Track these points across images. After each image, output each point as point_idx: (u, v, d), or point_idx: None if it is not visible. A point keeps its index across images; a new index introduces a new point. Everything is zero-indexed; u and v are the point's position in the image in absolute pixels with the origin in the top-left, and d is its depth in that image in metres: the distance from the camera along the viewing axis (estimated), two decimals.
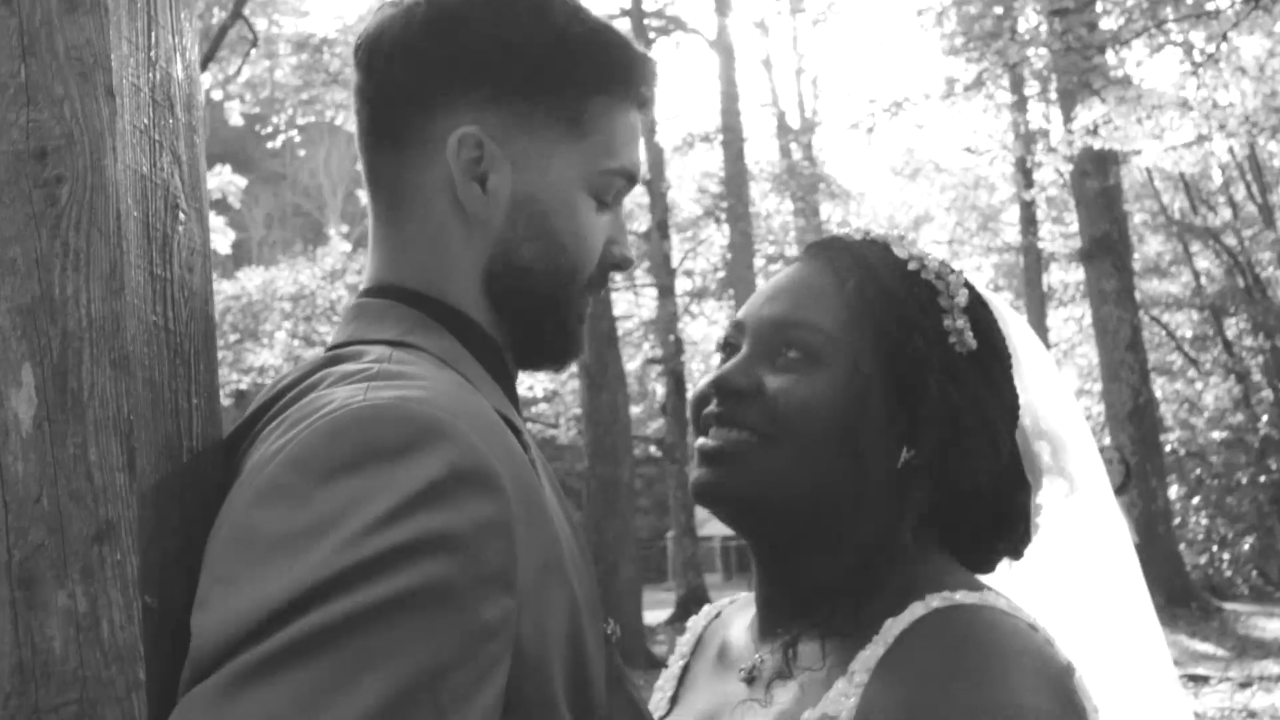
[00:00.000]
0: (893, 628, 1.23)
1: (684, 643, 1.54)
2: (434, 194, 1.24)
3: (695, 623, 1.56)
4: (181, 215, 1.15)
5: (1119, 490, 8.63)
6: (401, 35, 1.24)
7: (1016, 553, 1.40)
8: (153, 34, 1.14)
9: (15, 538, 0.99)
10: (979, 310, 1.37)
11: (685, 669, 1.50)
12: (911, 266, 1.36)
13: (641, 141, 1.34)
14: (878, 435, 1.30)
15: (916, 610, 1.24)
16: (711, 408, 1.33)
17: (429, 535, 0.95)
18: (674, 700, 1.47)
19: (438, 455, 0.98)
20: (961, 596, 1.24)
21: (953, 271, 1.38)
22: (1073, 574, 1.47)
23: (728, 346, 1.40)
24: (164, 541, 1.05)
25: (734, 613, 1.52)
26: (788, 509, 1.29)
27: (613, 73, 1.26)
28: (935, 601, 1.24)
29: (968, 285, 1.37)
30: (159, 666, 1.00)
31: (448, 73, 1.23)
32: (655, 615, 20.04)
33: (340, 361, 1.14)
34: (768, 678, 1.33)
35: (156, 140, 1.12)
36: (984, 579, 1.33)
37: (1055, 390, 1.46)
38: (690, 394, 1.40)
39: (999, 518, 1.38)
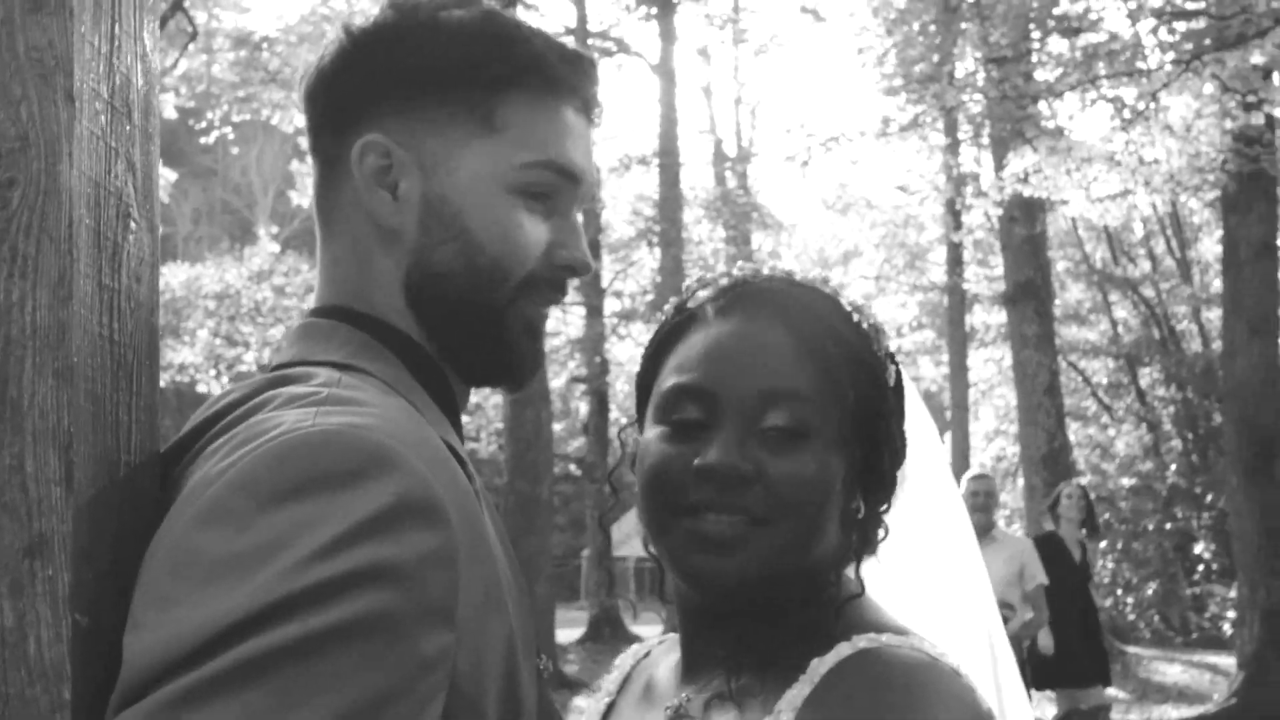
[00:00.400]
0: (819, 667, 1.23)
1: (611, 680, 1.53)
2: (350, 209, 1.24)
3: (623, 661, 1.55)
4: (133, 224, 1.13)
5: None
6: (325, 68, 1.26)
7: (875, 551, 1.41)
8: (115, 38, 1.12)
9: None
10: (894, 355, 1.40)
11: (611, 706, 1.49)
12: (856, 318, 1.36)
13: (584, 141, 1.30)
14: (848, 492, 1.31)
15: (843, 650, 1.24)
16: (707, 492, 1.27)
17: (373, 565, 0.94)
18: None
19: (386, 485, 0.97)
20: (887, 639, 1.25)
21: (878, 320, 1.39)
22: (910, 559, 1.49)
23: (684, 416, 1.31)
24: (97, 558, 1.02)
25: (662, 653, 1.51)
26: (784, 582, 1.29)
27: (526, 67, 1.24)
28: (862, 642, 1.25)
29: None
30: (87, 687, 0.98)
31: (357, 91, 1.24)
32: (567, 634, 19.97)
33: (287, 382, 1.12)
34: (693, 716, 1.33)
35: (113, 147, 1.10)
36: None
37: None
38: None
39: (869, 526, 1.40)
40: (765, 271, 1.39)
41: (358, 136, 1.23)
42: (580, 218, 1.32)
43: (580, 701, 12.94)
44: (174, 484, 1.09)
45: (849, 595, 1.31)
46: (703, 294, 1.38)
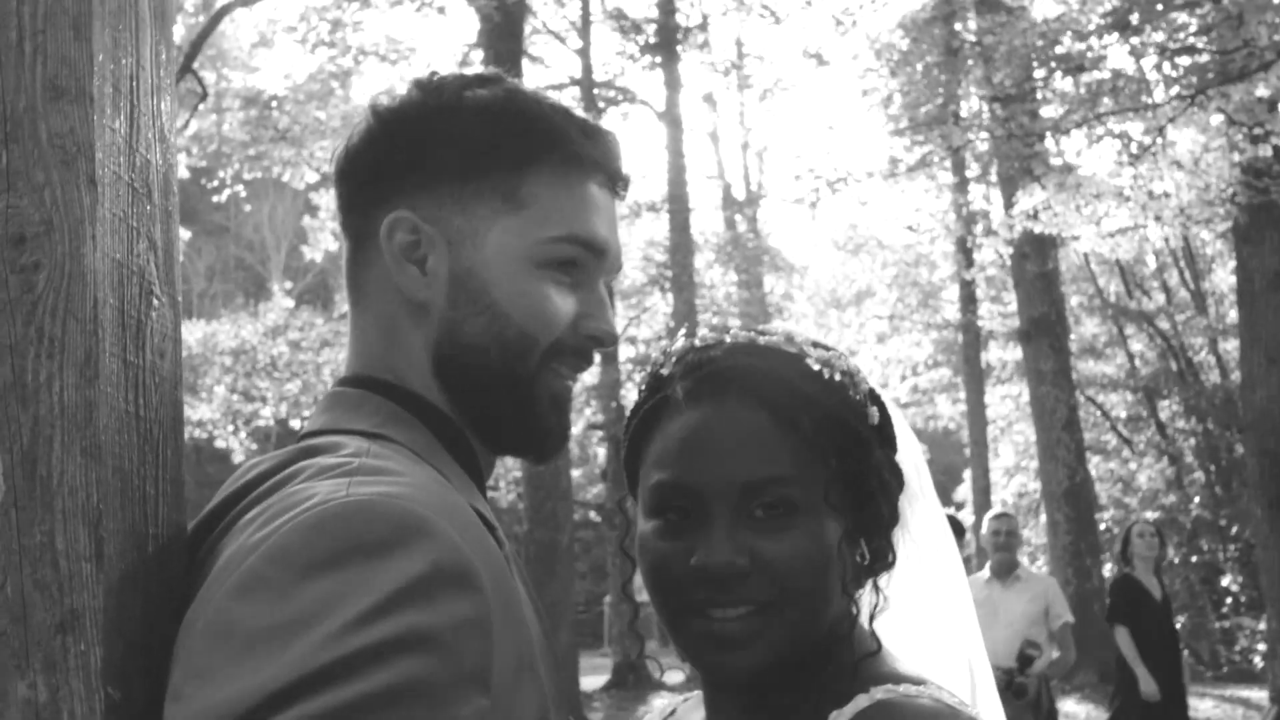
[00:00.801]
0: (838, 719, 1.24)
1: None
2: (380, 284, 1.28)
3: None
4: (155, 301, 1.16)
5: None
6: (353, 147, 1.30)
7: (886, 597, 1.40)
8: (135, 121, 1.14)
9: None
10: (872, 388, 1.40)
11: None
12: (826, 374, 1.35)
13: (608, 214, 1.32)
14: (850, 546, 1.31)
15: (860, 702, 1.24)
16: (708, 591, 1.27)
17: (410, 633, 0.95)
18: None
19: (420, 553, 0.99)
20: (905, 689, 1.25)
21: (847, 363, 1.38)
22: (909, 616, 1.49)
23: (673, 509, 1.31)
24: (128, 631, 1.04)
25: (688, 711, 1.51)
26: (799, 655, 1.29)
27: (549, 144, 1.27)
28: (879, 693, 1.25)
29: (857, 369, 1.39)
30: None
31: (385, 169, 1.27)
32: (591, 681, 19.79)
33: (317, 453, 1.14)
34: None
35: (134, 227, 1.13)
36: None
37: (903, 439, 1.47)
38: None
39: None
40: (727, 340, 1.38)
41: (386, 213, 1.26)
42: (606, 290, 1.34)
43: None
44: (205, 556, 1.11)
45: (865, 653, 1.31)
46: (669, 369, 1.37)
